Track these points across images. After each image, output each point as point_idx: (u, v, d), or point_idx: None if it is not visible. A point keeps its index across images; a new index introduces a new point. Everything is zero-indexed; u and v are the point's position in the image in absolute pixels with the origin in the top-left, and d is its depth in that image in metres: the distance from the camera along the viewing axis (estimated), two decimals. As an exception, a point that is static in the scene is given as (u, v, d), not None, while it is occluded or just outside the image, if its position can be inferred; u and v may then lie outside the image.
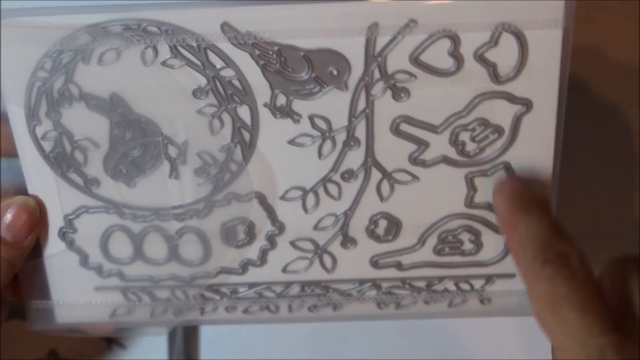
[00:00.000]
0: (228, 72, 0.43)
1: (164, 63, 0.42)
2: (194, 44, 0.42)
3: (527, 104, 0.43)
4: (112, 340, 0.58)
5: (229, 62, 0.42)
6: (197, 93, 0.43)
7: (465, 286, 0.48)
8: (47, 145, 0.44)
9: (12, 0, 0.42)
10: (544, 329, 0.38)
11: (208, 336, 0.57)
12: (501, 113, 0.43)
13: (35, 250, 0.48)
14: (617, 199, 0.56)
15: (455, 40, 0.42)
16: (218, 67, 0.42)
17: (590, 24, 0.50)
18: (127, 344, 0.58)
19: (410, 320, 0.54)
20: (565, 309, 0.38)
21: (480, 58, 0.42)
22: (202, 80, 0.43)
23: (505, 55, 0.42)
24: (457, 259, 0.48)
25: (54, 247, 0.48)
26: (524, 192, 0.43)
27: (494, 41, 0.42)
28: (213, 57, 0.42)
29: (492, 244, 0.47)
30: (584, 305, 0.37)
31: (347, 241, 0.47)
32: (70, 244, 0.47)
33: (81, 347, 0.57)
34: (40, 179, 0.46)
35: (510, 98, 0.43)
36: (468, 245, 0.47)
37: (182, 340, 0.56)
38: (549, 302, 0.38)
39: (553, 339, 0.38)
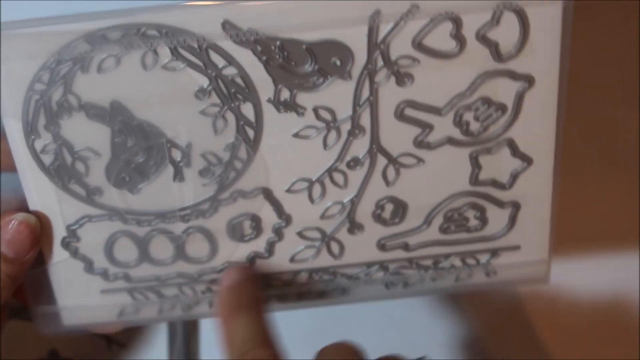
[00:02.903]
0: (230, 71, 0.42)
1: (164, 66, 0.42)
2: (195, 45, 0.41)
3: (530, 80, 0.43)
4: (112, 340, 0.57)
5: (231, 60, 0.42)
6: (199, 94, 0.43)
7: (471, 261, 0.49)
8: (47, 159, 0.44)
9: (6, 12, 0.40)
10: None
11: (208, 336, 0.56)
12: (504, 91, 0.44)
13: (39, 259, 0.47)
14: (617, 199, 0.57)
15: (457, 22, 0.42)
16: (220, 66, 0.42)
17: (591, 24, 0.51)
18: (127, 343, 0.57)
19: (411, 319, 0.54)
20: None
21: (482, 38, 0.42)
22: (204, 81, 0.42)
23: (506, 33, 0.42)
24: (463, 235, 0.48)
25: (57, 257, 0.47)
26: (237, 291, 0.47)
27: (495, 20, 0.42)
28: (215, 57, 0.42)
29: (497, 218, 0.48)
30: None
31: (354, 227, 0.47)
32: (74, 253, 0.47)
33: (81, 347, 0.56)
34: (41, 193, 0.45)
35: (513, 75, 0.43)
36: (473, 222, 0.47)
37: (182, 340, 0.56)
38: None
39: None
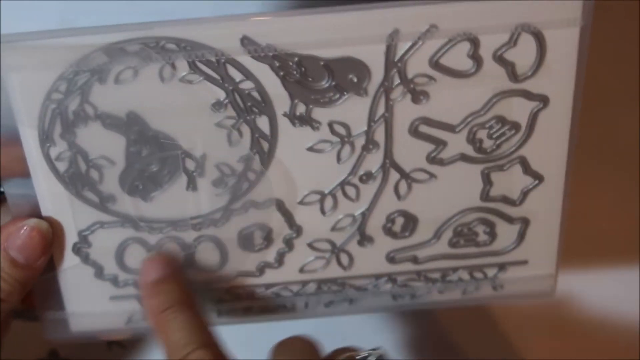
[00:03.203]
0: (247, 85, 0.42)
1: (182, 79, 0.42)
2: (213, 59, 0.41)
3: (544, 101, 0.44)
4: (112, 341, 0.58)
5: (248, 74, 0.42)
6: (215, 106, 0.43)
7: (479, 275, 0.49)
8: (62, 166, 0.44)
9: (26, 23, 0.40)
10: None
11: None
12: (518, 110, 0.44)
13: (49, 264, 0.47)
14: (617, 199, 0.57)
15: (475, 42, 0.42)
16: (237, 80, 0.42)
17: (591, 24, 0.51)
18: (127, 344, 0.57)
19: (411, 319, 0.55)
20: None
21: (499, 58, 0.42)
22: (221, 94, 0.42)
23: (523, 54, 0.42)
24: (472, 250, 0.48)
25: (68, 262, 0.47)
26: (164, 290, 0.46)
27: (513, 42, 0.42)
28: (232, 71, 0.42)
29: (506, 234, 0.48)
30: None
31: (364, 239, 0.47)
32: (85, 258, 0.47)
33: (81, 347, 0.56)
34: (54, 199, 0.45)
35: (528, 95, 0.43)
36: (483, 237, 0.48)
37: None
38: None
39: None
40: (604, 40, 0.52)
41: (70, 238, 0.46)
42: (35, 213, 0.46)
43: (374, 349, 0.45)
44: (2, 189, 0.46)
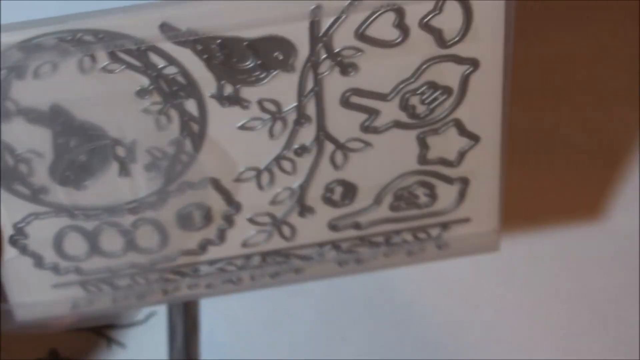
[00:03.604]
0: (171, 70, 0.41)
1: (103, 69, 0.41)
2: (133, 47, 0.40)
3: (474, 64, 0.43)
4: (112, 340, 0.57)
5: (171, 60, 0.41)
6: (140, 93, 0.42)
7: (422, 235, 0.49)
8: (-12, 163, 0.43)
9: None
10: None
11: (208, 336, 0.56)
12: (449, 74, 0.43)
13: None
14: (617, 199, 0.57)
15: (399, 12, 0.41)
16: (160, 66, 0.41)
17: (591, 24, 0.50)
18: (127, 343, 0.57)
19: (411, 319, 0.55)
20: None
21: (425, 26, 0.41)
22: (145, 81, 0.41)
23: (450, 20, 0.42)
24: (414, 212, 0.48)
25: (6, 255, 0.46)
26: None
27: (438, 9, 0.41)
28: (154, 58, 0.41)
29: (447, 194, 0.48)
30: None
31: (305, 210, 0.47)
32: (23, 249, 0.46)
33: (81, 346, 0.56)
34: (-16, 195, 0.44)
35: (457, 60, 0.43)
36: (423, 199, 0.48)
37: (182, 340, 0.56)
38: None
39: None
40: (604, 40, 0.52)
41: (6, 231, 0.46)
42: (-34, 210, 0.45)
43: None
44: None
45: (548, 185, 0.58)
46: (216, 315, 0.57)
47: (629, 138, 0.58)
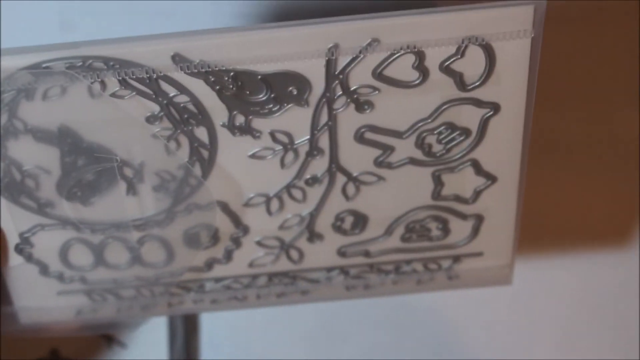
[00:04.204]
0: (182, 98, 0.41)
1: (113, 94, 0.40)
2: (144, 76, 0.39)
3: (495, 108, 0.42)
4: (112, 340, 0.58)
5: (182, 89, 0.40)
6: (150, 119, 0.41)
7: (433, 266, 0.49)
8: (-5, 176, 0.42)
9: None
10: None
11: (208, 336, 0.56)
12: (468, 116, 0.42)
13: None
14: (616, 199, 0.56)
15: (419, 55, 0.40)
16: (171, 95, 0.40)
17: (590, 24, 0.49)
18: (127, 343, 0.57)
19: (411, 319, 0.54)
20: None
21: (445, 69, 0.40)
22: (155, 108, 0.41)
23: (471, 65, 0.41)
24: (425, 244, 0.47)
25: (12, 261, 0.46)
26: None
27: (460, 53, 0.40)
28: (165, 86, 0.40)
29: (460, 229, 0.47)
30: None
31: (314, 236, 0.47)
32: (29, 258, 0.46)
33: (82, 346, 0.56)
34: (-9, 206, 0.44)
35: (477, 103, 0.42)
36: (436, 232, 0.47)
37: (182, 340, 0.56)
38: None
39: None
40: (604, 40, 0.50)
41: (11, 240, 0.45)
42: (-27, 219, 0.44)
43: None
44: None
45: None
46: (216, 316, 0.56)
47: (629, 138, 0.57)
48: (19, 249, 0.46)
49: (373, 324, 0.57)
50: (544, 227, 0.57)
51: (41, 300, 0.48)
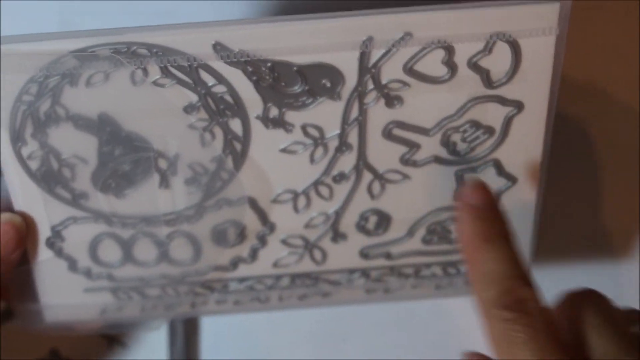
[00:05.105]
0: (220, 89, 0.42)
1: (154, 82, 0.41)
2: (185, 64, 0.41)
3: (519, 106, 0.43)
4: (113, 340, 0.58)
5: (220, 79, 0.42)
6: (188, 109, 0.42)
7: (452, 270, 0.49)
8: (34, 164, 0.44)
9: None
10: None
11: (208, 336, 0.57)
12: (493, 115, 0.44)
13: (23, 258, 0.47)
14: (616, 199, 0.57)
15: (449, 50, 0.41)
16: (210, 84, 0.42)
17: (590, 24, 0.50)
18: (128, 343, 0.58)
19: (412, 319, 0.55)
20: (521, 353, 0.38)
21: (473, 65, 0.42)
22: (194, 97, 0.42)
23: (498, 61, 0.42)
24: (445, 247, 0.48)
25: (41, 255, 0.47)
26: (489, 217, 0.42)
27: (488, 50, 0.41)
28: (204, 75, 0.41)
29: (479, 232, 0.48)
30: (539, 350, 0.38)
31: (337, 236, 0.48)
32: (59, 252, 0.47)
33: (82, 346, 0.57)
34: (26, 196, 0.45)
35: (502, 101, 0.43)
36: (455, 234, 0.48)
37: (182, 340, 0.56)
38: (505, 344, 0.39)
39: None
40: (605, 40, 0.52)
41: (44, 233, 0.46)
42: (7, 209, 0.45)
43: None
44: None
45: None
46: (216, 316, 0.57)
47: (629, 138, 0.59)
48: (49, 243, 0.47)
49: (373, 324, 0.58)
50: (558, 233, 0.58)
51: (67, 297, 0.49)
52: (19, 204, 0.45)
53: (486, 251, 0.41)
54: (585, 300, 0.41)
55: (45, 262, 0.47)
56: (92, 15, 0.47)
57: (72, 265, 0.48)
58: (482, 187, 0.43)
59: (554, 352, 0.38)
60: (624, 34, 0.53)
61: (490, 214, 0.42)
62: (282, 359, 0.56)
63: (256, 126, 0.43)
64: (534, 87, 0.43)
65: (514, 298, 0.39)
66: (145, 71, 0.41)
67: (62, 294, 0.49)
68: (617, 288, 0.44)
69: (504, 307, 0.39)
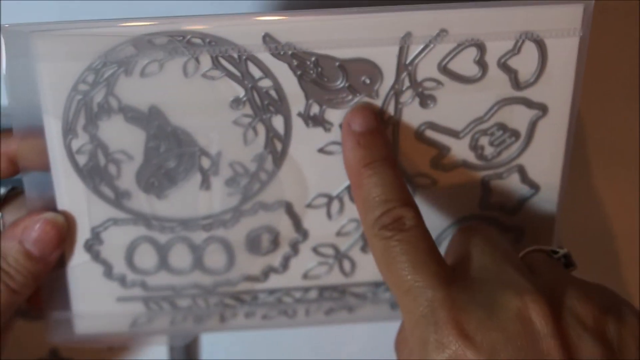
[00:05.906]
0: (266, 83, 0.44)
1: (204, 75, 0.44)
2: (235, 55, 0.43)
3: (543, 109, 0.46)
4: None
5: (267, 72, 0.44)
6: (234, 104, 0.44)
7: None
8: (82, 159, 0.45)
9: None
10: (388, 286, 0.42)
11: (208, 336, 0.57)
12: (519, 118, 0.46)
13: (58, 260, 0.48)
14: (616, 199, 0.59)
15: (481, 48, 0.44)
16: (257, 77, 0.44)
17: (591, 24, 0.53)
18: (128, 344, 0.58)
19: None
20: (399, 266, 0.41)
21: (503, 65, 0.45)
22: (240, 91, 0.44)
23: (526, 62, 0.45)
24: (468, 258, 0.50)
25: (78, 259, 0.48)
26: (370, 143, 0.45)
27: (517, 49, 0.44)
28: (252, 68, 0.44)
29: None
30: (415, 263, 0.41)
31: (367, 245, 0.49)
32: (96, 256, 0.48)
33: (82, 346, 0.56)
34: (71, 193, 0.46)
35: (528, 103, 0.46)
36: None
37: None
38: (384, 260, 0.42)
39: (393, 294, 0.42)
40: (604, 40, 0.54)
41: (83, 234, 0.47)
42: (50, 207, 0.46)
43: (560, 247, 0.46)
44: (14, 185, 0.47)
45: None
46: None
47: (629, 139, 0.60)
48: (88, 245, 0.48)
49: (373, 324, 0.58)
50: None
51: (99, 306, 0.50)
52: (62, 203, 0.46)
53: (367, 176, 0.44)
54: (474, 228, 0.46)
55: (80, 266, 0.48)
56: (92, 16, 0.48)
57: (108, 270, 0.48)
58: (364, 111, 0.46)
59: (430, 264, 0.41)
60: (624, 34, 0.55)
61: (371, 139, 0.45)
62: (281, 358, 0.57)
63: (297, 124, 0.45)
64: (559, 89, 0.46)
65: (391, 218, 0.42)
66: (197, 61, 0.43)
67: (95, 301, 0.49)
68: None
69: (383, 226, 0.42)
